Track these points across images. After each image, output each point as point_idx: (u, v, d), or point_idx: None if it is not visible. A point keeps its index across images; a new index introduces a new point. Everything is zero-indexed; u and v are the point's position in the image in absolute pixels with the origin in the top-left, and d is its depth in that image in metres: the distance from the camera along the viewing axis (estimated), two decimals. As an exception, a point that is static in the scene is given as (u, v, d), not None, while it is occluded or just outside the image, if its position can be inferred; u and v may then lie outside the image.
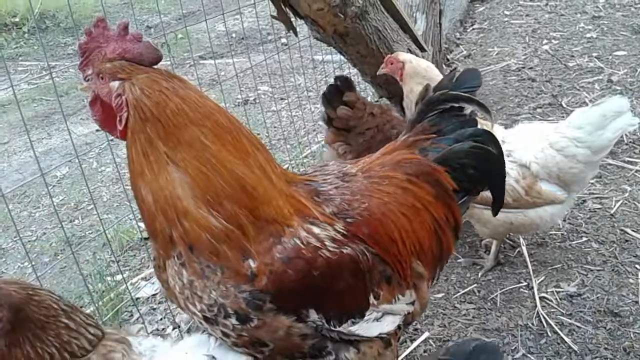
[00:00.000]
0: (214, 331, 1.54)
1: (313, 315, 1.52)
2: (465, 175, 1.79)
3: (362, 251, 1.58)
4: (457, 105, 1.81)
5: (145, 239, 3.64)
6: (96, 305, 2.75)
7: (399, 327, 1.75)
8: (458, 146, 1.77)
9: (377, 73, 2.99)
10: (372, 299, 1.63)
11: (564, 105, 4.57)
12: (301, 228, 1.50)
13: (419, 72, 2.91)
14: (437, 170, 1.76)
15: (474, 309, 2.70)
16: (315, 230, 1.52)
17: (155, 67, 1.49)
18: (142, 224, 3.77)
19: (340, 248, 1.53)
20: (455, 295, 2.80)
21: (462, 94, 1.79)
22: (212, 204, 1.42)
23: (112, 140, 4.74)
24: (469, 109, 1.81)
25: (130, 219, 3.88)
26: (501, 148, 1.85)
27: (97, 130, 5.56)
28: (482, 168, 1.80)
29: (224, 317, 1.46)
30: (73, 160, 4.61)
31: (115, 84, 1.44)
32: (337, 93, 2.92)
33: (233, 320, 1.46)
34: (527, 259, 2.95)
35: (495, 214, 1.96)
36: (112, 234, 3.67)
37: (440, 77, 2.81)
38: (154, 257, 1.62)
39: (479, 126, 1.84)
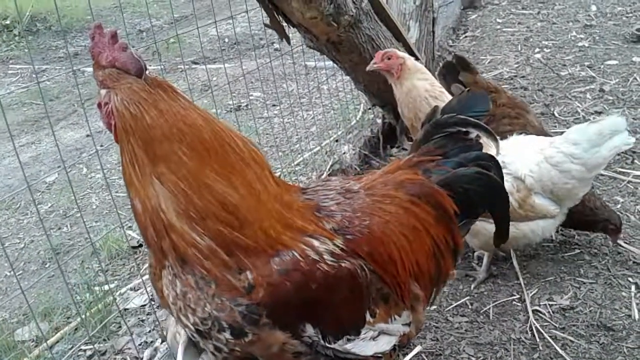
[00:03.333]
0: (206, 345, 1.51)
1: (309, 330, 1.51)
2: (467, 199, 1.79)
3: (360, 266, 1.57)
4: (463, 129, 1.80)
5: (134, 247, 3.60)
6: (83, 316, 2.71)
7: (394, 348, 1.73)
8: (462, 170, 1.78)
9: (367, 69, 2.97)
10: (368, 317, 1.62)
11: (556, 115, 4.57)
12: (298, 242, 1.48)
13: (420, 68, 2.94)
14: (440, 192, 1.76)
15: (466, 322, 2.68)
16: (315, 243, 1.51)
17: (144, 74, 1.45)
18: (130, 232, 3.75)
19: (338, 261, 1.52)
20: (448, 308, 2.77)
21: (470, 118, 1.79)
22: (196, 220, 1.40)
23: (101, 145, 4.69)
24: (474, 133, 1.81)
25: (121, 227, 3.85)
26: (503, 175, 1.85)
27: (88, 136, 5.51)
28: (485, 194, 1.80)
29: (217, 331, 1.44)
30: (64, 165, 4.56)
31: (103, 92, 1.44)
32: (452, 69, 3.11)
33: (227, 335, 1.44)
34: (518, 272, 2.93)
35: (497, 244, 1.97)
36: (102, 242, 3.63)
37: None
38: (150, 264, 1.60)
39: (483, 150, 1.84)
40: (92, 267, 3.52)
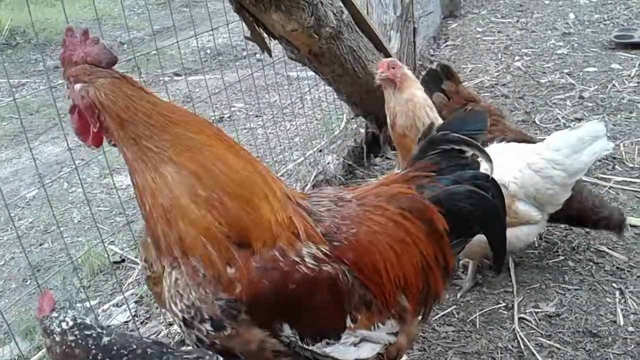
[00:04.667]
0: (190, 335, 1.55)
1: (287, 330, 1.51)
2: (459, 217, 1.78)
3: (342, 271, 1.57)
4: (457, 147, 1.80)
5: (116, 263, 3.55)
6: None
7: (379, 358, 1.72)
8: (454, 188, 1.77)
9: (378, 79, 2.95)
10: (349, 322, 1.62)
11: (537, 122, 4.61)
12: (283, 240, 1.50)
13: (415, 78, 3.02)
14: (430, 208, 1.76)
15: (453, 331, 2.67)
16: (298, 245, 1.51)
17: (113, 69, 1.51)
18: (113, 247, 3.70)
19: (320, 265, 1.52)
20: (435, 318, 2.76)
21: (464, 137, 1.79)
22: (212, 200, 1.43)
23: (82, 159, 4.63)
24: (470, 152, 1.81)
25: (104, 242, 3.79)
26: (503, 196, 1.84)
27: (70, 149, 5.44)
28: (477, 213, 1.79)
29: (199, 321, 1.47)
30: (42, 181, 4.49)
31: (78, 86, 1.46)
32: (436, 78, 3.09)
33: (207, 326, 1.47)
34: (514, 278, 2.93)
35: (497, 270, 1.98)
36: (84, 258, 3.57)
37: None
38: (148, 267, 1.63)
39: (481, 170, 1.84)
40: (74, 283, 3.46)
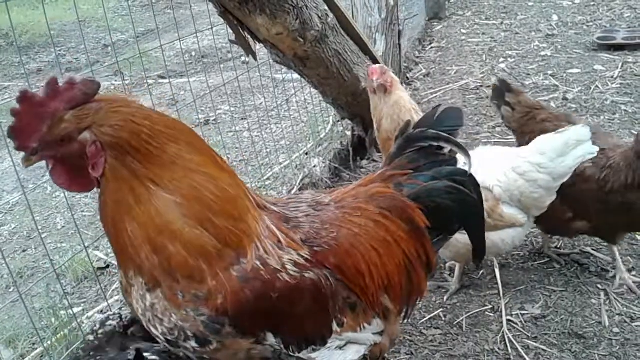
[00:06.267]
0: (177, 353, 1.55)
1: (270, 339, 1.51)
2: (439, 214, 1.78)
3: (325, 276, 1.56)
4: (435, 144, 1.80)
5: (101, 269, 3.51)
6: (49, 342, 2.62)
7: (365, 359, 1.72)
8: (432, 184, 1.77)
9: (373, 85, 2.95)
10: (335, 327, 1.62)
11: (522, 124, 4.63)
12: (263, 250, 1.49)
13: (399, 81, 3.07)
14: (410, 206, 1.75)
15: (440, 334, 2.68)
16: (279, 253, 1.50)
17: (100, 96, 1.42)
18: (97, 253, 3.66)
19: (302, 272, 1.51)
20: (422, 321, 2.77)
21: (442, 133, 1.79)
22: (204, 218, 1.42)
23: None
24: (447, 148, 1.81)
25: (87, 247, 3.74)
26: (480, 191, 1.85)
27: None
28: (457, 209, 1.79)
29: (184, 340, 1.45)
30: (25, 186, 4.43)
31: (86, 134, 1.36)
32: (500, 93, 3.16)
33: (193, 343, 1.45)
34: (499, 281, 2.93)
35: (477, 263, 1.99)
36: (68, 264, 3.52)
37: None
38: (120, 282, 1.60)
39: (458, 166, 1.84)
40: (58, 290, 3.42)
